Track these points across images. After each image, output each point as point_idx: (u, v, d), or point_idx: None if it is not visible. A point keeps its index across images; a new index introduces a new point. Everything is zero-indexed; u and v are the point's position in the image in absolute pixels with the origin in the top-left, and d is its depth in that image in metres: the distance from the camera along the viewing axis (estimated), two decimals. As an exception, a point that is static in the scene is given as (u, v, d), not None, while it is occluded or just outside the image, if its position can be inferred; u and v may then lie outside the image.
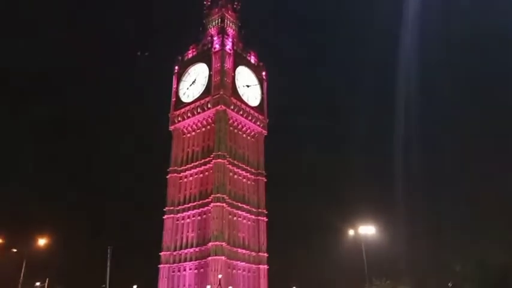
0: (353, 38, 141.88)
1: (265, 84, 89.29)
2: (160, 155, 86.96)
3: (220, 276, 65.24)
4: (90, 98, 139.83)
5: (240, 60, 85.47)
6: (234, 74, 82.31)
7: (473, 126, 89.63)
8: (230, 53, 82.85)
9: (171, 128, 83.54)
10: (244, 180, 78.99)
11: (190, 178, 78.26)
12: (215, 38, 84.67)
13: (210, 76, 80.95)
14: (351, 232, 46.54)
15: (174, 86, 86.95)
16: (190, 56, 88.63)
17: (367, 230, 44.53)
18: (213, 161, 74.23)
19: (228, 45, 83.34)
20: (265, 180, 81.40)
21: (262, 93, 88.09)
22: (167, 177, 79.50)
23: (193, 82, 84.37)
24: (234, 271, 70.70)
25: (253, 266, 74.25)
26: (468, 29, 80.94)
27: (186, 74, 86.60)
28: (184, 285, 71.13)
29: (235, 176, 77.17)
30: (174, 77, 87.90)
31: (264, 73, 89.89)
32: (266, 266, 75.25)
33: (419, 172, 77.72)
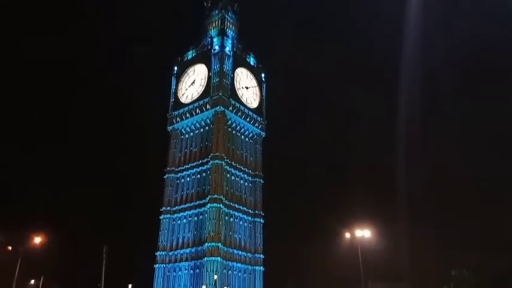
0: (354, 40, 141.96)
1: (264, 86, 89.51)
2: (157, 155, 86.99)
3: (215, 277, 65.25)
4: (87, 97, 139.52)
5: (239, 61, 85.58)
6: (233, 76, 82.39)
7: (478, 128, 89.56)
8: (230, 55, 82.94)
9: (169, 128, 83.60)
10: (242, 181, 79.06)
11: (188, 179, 78.25)
12: (215, 40, 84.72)
13: (209, 77, 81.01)
14: (348, 235, 46.82)
15: (173, 86, 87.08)
16: (189, 57, 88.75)
17: (363, 233, 44.80)
18: (211, 162, 74.29)
19: (228, 47, 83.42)
20: (263, 182, 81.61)
21: (261, 94, 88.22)
22: (164, 177, 79.54)
23: (192, 83, 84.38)
24: (230, 272, 70.69)
25: (249, 267, 74.30)
26: (469, 28, 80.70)
27: (185, 75, 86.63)
28: (179, 286, 71.07)
29: (233, 177, 77.24)
30: (173, 77, 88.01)
31: (263, 75, 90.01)
32: (262, 268, 75.36)
33: (420, 174, 77.47)
